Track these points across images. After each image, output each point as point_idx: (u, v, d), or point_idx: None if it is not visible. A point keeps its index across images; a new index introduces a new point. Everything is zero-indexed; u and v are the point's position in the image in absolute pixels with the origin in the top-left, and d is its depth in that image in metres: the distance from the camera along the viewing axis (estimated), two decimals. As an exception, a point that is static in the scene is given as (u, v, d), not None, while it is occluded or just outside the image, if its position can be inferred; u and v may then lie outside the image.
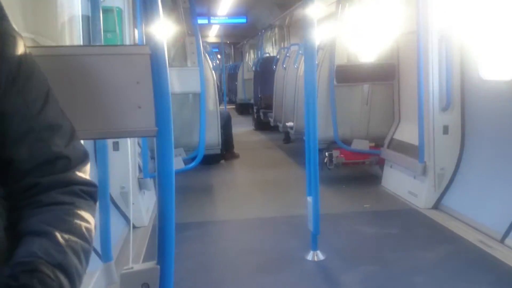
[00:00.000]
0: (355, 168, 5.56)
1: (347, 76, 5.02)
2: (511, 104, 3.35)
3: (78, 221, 0.93)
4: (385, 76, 4.90)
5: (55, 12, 2.01)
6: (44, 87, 0.99)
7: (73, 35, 2.23)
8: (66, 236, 0.88)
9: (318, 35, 3.74)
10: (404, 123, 4.75)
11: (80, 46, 1.85)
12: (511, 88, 3.31)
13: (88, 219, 0.98)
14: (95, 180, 2.31)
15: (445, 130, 3.98)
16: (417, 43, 3.92)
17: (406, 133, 4.59)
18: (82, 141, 1.08)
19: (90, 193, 1.00)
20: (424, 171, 4.07)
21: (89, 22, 2.53)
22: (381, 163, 5.05)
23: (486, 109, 3.72)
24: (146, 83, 1.23)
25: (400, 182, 4.54)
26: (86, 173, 1.01)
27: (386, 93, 5.02)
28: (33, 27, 1.80)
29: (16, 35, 0.97)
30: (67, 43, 2.02)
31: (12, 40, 0.93)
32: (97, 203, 1.00)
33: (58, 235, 0.87)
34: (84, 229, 0.94)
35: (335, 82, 5.02)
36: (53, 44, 1.80)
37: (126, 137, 2.55)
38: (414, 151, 4.19)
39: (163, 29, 1.28)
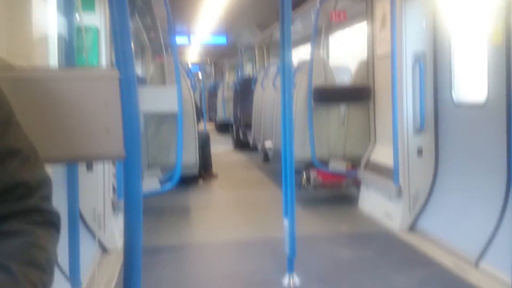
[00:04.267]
0: (332, 189, 5.58)
1: (324, 96, 5.07)
2: (484, 128, 3.42)
3: (38, 252, 0.90)
4: (361, 98, 4.97)
5: (29, 31, 1.97)
6: (5, 110, 0.97)
7: (45, 54, 2.19)
8: (25, 269, 0.86)
9: (295, 56, 3.79)
10: (379, 144, 4.80)
11: (47, 69, 1.82)
12: (483, 111, 3.38)
13: (49, 249, 0.95)
14: (65, 202, 2.25)
15: (419, 152, 4.03)
16: (391, 66, 3.99)
17: (382, 154, 4.63)
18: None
19: (51, 222, 0.97)
20: (399, 193, 4.10)
21: (64, 41, 2.50)
22: (358, 184, 5.08)
23: (460, 132, 3.78)
24: (114, 106, 1.21)
25: (377, 204, 4.56)
26: (48, 200, 0.98)
27: (362, 114, 5.08)
28: (5, 45, 1.76)
29: None
30: (39, 62, 1.98)
31: None
32: (65, 227, 0.97)
33: (17, 268, 0.84)
34: (44, 260, 0.91)
35: (312, 103, 5.06)
36: (24, 63, 1.76)
37: (94, 160, 2.50)
38: (390, 173, 4.23)
39: (133, 51, 1.27)
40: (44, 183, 0.98)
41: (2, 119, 0.94)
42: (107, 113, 1.21)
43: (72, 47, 2.37)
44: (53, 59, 2.52)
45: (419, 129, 3.98)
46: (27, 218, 0.92)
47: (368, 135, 5.02)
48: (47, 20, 2.51)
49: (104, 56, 3.52)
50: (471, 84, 3.67)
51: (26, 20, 2.08)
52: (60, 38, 2.82)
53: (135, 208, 1.26)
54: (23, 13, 2.09)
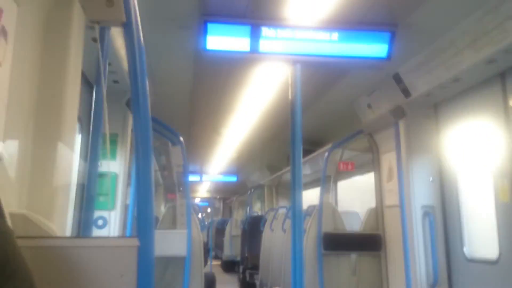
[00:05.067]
0: None
1: (334, 244, 5.02)
2: (498, 284, 3.31)
3: None
4: (372, 246, 4.90)
5: (50, 184, 2.07)
6: (28, 283, 0.99)
7: (66, 209, 2.27)
8: None
9: (304, 198, 3.86)
10: (393, 296, 4.61)
11: (68, 237, 1.88)
12: (496, 267, 3.31)
13: None
14: None
15: (435, 307, 3.86)
16: (400, 218, 4.02)
17: (396, 307, 4.42)
18: None
19: None
20: None
21: (84, 188, 2.61)
22: (371, 339, 4.76)
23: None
24: (130, 276, 1.23)
25: None
26: None
27: (373, 264, 4.96)
28: (27, 202, 1.84)
29: (6, 231, 0.99)
30: (58, 217, 2.05)
31: (1, 238, 0.95)
32: None
33: None
34: None
35: (322, 250, 4.99)
36: (43, 219, 1.82)
37: None
38: (405, 328, 3.99)
39: (153, 220, 1.33)
40: None
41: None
42: (122, 283, 1.22)
43: (93, 193, 2.46)
44: (70, 210, 2.60)
45: (433, 284, 3.86)
46: None
47: (381, 286, 4.84)
48: (71, 170, 2.65)
49: (120, 200, 3.62)
50: (482, 238, 3.65)
51: (50, 172, 2.20)
52: (80, 184, 2.94)
53: None
54: (48, 165, 2.22)
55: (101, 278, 1.20)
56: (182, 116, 6.20)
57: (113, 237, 2.08)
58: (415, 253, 3.90)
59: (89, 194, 2.48)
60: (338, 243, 5.01)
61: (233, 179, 12.66)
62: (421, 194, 3.99)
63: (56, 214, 2.07)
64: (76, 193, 3.14)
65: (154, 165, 8.94)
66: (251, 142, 8.07)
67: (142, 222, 1.30)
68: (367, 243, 4.90)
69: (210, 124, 6.80)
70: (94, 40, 2.66)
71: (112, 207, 3.58)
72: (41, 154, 2.13)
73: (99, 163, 2.69)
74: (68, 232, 2.91)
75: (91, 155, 2.57)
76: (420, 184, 4.00)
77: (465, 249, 3.70)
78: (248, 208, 12.48)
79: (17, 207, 1.80)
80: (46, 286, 1.04)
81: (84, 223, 2.39)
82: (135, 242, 1.25)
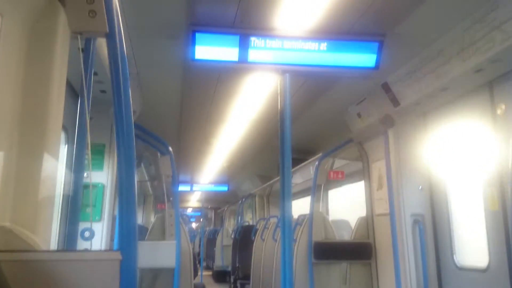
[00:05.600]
0: None
1: (325, 253, 5.00)
2: (490, 293, 3.31)
3: None
4: (363, 255, 4.89)
5: (34, 196, 2.04)
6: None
7: (50, 220, 2.23)
8: None
9: (295, 207, 3.85)
10: (384, 305, 4.59)
11: (51, 251, 1.84)
12: (486, 275, 3.31)
13: None
14: None
15: (426, 316, 3.84)
16: (390, 226, 4.01)
17: (387, 317, 4.40)
18: None
19: None
20: None
21: (70, 199, 2.57)
22: None
23: (465, 296, 3.65)
24: (113, 289, 1.20)
25: None
26: None
27: (364, 273, 4.94)
28: (10, 214, 1.80)
29: None
30: (41, 228, 2.01)
31: None
32: None
33: None
34: None
35: (313, 259, 4.96)
36: (27, 232, 1.78)
37: None
38: (397, 338, 3.97)
39: (136, 233, 1.30)
40: None
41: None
42: (105, 297, 1.19)
43: (78, 204, 2.42)
44: (54, 224, 2.56)
45: (424, 292, 3.85)
46: None
47: (372, 295, 4.82)
48: (55, 182, 2.61)
49: (107, 211, 3.58)
50: (472, 246, 3.65)
51: (35, 183, 2.16)
52: (65, 195, 2.89)
53: None
54: (33, 176, 2.19)
55: (81, 293, 1.17)
56: (171, 125, 6.17)
57: (95, 251, 2.04)
58: (406, 261, 3.89)
59: (74, 206, 2.45)
60: (329, 252, 4.99)
61: (224, 188, 12.61)
62: (410, 203, 3.99)
63: (40, 226, 2.03)
64: (62, 205, 3.10)
65: (143, 175, 8.88)
66: (242, 152, 8.05)
67: (124, 235, 1.27)
68: (357, 251, 4.89)
69: (200, 134, 6.78)
70: (80, 49, 2.64)
71: (99, 219, 3.54)
72: (25, 165, 2.09)
73: (85, 174, 2.65)
74: (53, 244, 2.86)
75: (76, 165, 2.53)
76: (410, 192, 4.01)
77: (455, 257, 3.70)
78: (239, 218, 12.43)
79: (2, 220, 1.76)
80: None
81: (69, 235, 2.35)
82: (118, 255, 1.22)
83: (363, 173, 4.90)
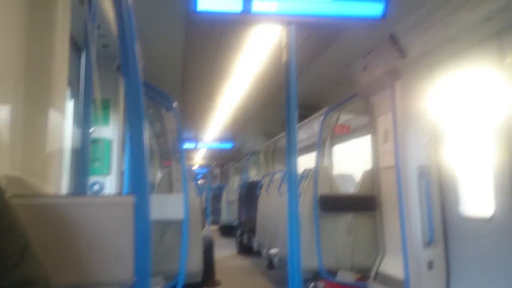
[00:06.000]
0: (341, 302, 5.33)
1: (330, 205, 5.07)
2: (492, 241, 3.37)
3: None
4: (367, 207, 4.96)
5: (43, 148, 2.06)
6: (21, 241, 0.99)
7: (60, 170, 2.26)
8: None
9: (301, 164, 3.88)
10: (388, 256, 4.70)
11: (64, 196, 1.87)
12: (490, 225, 3.36)
13: None
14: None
15: (430, 265, 3.93)
16: (396, 178, 4.04)
17: (391, 266, 4.51)
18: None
19: None
20: (412, 308, 3.93)
21: (78, 153, 2.59)
22: (367, 296, 4.88)
23: (470, 244, 3.72)
24: (127, 233, 1.23)
25: (388, 319, 4.34)
26: None
27: (369, 224, 5.04)
28: (21, 164, 1.82)
29: None
30: (53, 178, 2.04)
31: None
32: None
33: None
34: None
35: (318, 211, 5.04)
36: (39, 181, 1.81)
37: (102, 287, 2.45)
38: (400, 286, 4.08)
39: (149, 177, 1.32)
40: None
41: (18, 248, 0.96)
42: (119, 239, 1.22)
43: (86, 159, 2.45)
44: (65, 172, 2.59)
45: (429, 242, 3.92)
46: None
47: (376, 246, 4.93)
48: (63, 135, 2.62)
49: (115, 165, 3.61)
50: (478, 196, 3.69)
51: (42, 136, 2.18)
52: (74, 150, 2.92)
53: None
54: (40, 129, 2.20)
55: (97, 235, 1.20)
56: (174, 82, 6.13)
57: (108, 195, 2.09)
58: (411, 213, 3.94)
59: (83, 159, 2.47)
60: (334, 204, 5.07)
61: (229, 145, 12.67)
62: (416, 155, 4.00)
63: (51, 177, 2.06)
64: (70, 159, 3.12)
65: (148, 133, 8.90)
66: (246, 108, 8.02)
67: (137, 180, 1.29)
68: (362, 204, 4.97)
69: (204, 90, 6.74)
70: (81, 2, 2.59)
71: (107, 173, 3.58)
72: (33, 119, 2.10)
73: (92, 129, 2.67)
74: (64, 197, 2.90)
75: (83, 120, 2.54)
76: (416, 144, 4.01)
77: (460, 207, 3.75)
78: (244, 174, 12.55)
79: (12, 171, 1.78)
80: (43, 243, 1.04)
81: (79, 189, 2.39)
82: (131, 199, 1.24)
83: (369, 127, 4.89)
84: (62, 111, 2.47)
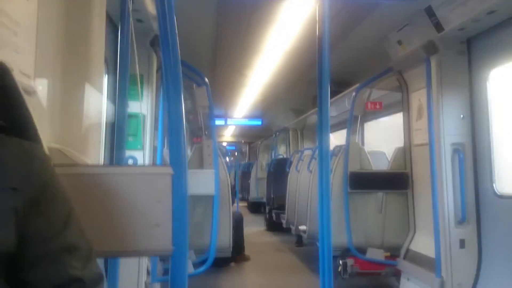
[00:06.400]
0: (370, 279, 5.36)
1: (361, 183, 5.04)
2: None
3: None
4: (399, 185, 4.91)
5: (81, 122, 2.11)
6: (66, 208, 1.02)
7: (97, 145, 2.32)
8: None
9: (332, 141, 3.85)
10: (419, 234, 4.66)
11: (105, 166, 1.92)
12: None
13: None
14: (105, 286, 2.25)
15: (462, 244, 3.89)
16: (429, 156, 3.98)
17: (422, 244, 4.48)
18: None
19: (101, 317, 0.98)
20: (442, 286, 3.90)
21: (114, 128, 2.65)
22: (397, 274, 4.87)
23: (503, 223, 3.65)
24: (166, 202, 1.26)
25: (417, 297, 4.34)
26: None
27: (400, 202, 4.99)
28: (60, 137, 1.87)
29: (45, 158, 1.02)
30: (90, 151, 2.09)
31: (40, 164, 0.98)
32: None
33: None
34: None
35: (348, 189, 5.03)
36: (78, 153, 1.86)
37: (143, 256, 2.53)
38: (431, 264, 4.06)
39: (186, 150, 1.34)
40: (98, 280, 1.00)
41: (63, 215, 0.99)
42: (158, 209, 1.25)
43: (123, 133, 2.50)
44: (102, 146, 2.65)
45: (461, 220, 3.86)
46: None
47: (407, 224, 4.89)
48: (100, 109, 2.68)
49: (148, 140, 3.67)
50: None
51: (80, 110, 2.24)
52: (110, 124, 2.98)
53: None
54: (78, 103, 2.25)
55: (138, 203, 1.23)
56: (206, 57, 6.13)
57: (148, 166, 2.14)
58: (443, 191, 3.88)
59: (119, 134, 2.51)
60: (365, 181, 5.04)
61: (258, 122, 12.68)
62: (451, 132, 3.91)
63: (89, 150, 2.11)
64: (105, 134, 3.19)
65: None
66: (276, 85, 7.98)
67: (174, 152, 1.31)
68: (394, 181, 4.91)
69: (235, 66, 6.72)
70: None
71: (140, 147, 3.64)
72: (71, 93, 2.14)
73: (127, 104, 2.70)
74: (100, 170, 2.97)
75: (119, 95, 2.58)
76: (450, 121, 3.92)
77: (494, 185, 3.67)
78: (273, 151, 12.57)
79: (52, 143, 1.84)
80: (84, 212, 1.07)
81: (115, 162, 2.44)
82: (169, 170, 1.27)
83: (402, 103, 4.80)
84: (99, 86, 2.51)
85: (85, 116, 2.21)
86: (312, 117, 9.24)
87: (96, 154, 2.17)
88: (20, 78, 1.10)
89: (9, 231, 0.88)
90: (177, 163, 1.30)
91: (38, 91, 1.81)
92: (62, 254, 0.96)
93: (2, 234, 0.87)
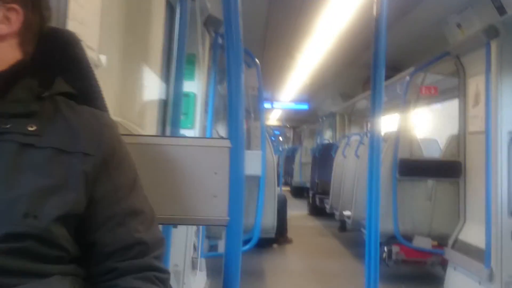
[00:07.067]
0: (415, 267, 5.28)
1: (410, 170, 4.94)
2: None
3: None
4: (450, 174, 4.77)
5: (138, 98, 2.18)
6: (132, 173, 1.07)
7: (154, 120, 2.39)
8: None
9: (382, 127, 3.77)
10: (469, 223, 4.53)
11: (166, 136, 1.98)
12: None
13: None
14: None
15: (514, 235, 3.76)
16: (485, 144, 3.84)
17: (472, 234, 4.36)
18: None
19: (163, 280, 1.02)
20: (491, 277, 3.80)
21: (167, 105, 2.72)
22: (444, 263, 4.77)
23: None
24: (223, 174, 1.29)
25: (465, 287, 4.24)
26: (161, 259, 1.05)
27: (451, 191, 4.85)
28: (120, 111, 1.95)
29: (113, 125, 1.07)
30: (147, 125, 2.17)
31: (109, 131, 1.03)
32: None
33: None
34: None
35: (397, 176, 4.94)
36: (136, 126, 1.94)
37: (200, 224, 2.60)
38: (480, 255, 3.95)
39: (242, 124, 1.37)
40: (160, 244, 1.05)
41: (129, 181, 1.04)
42: (216, 180, 1.28)
43: (178, 111, 2.56)
44: (157, 121, 2.73)
45: (515, 211, 3.73)
46: (142, 275, 0.99)
47: (457, 213, 4.76)
48: (157, 87, 2.76)
49: (199, 119, 3.74)
50: None
51: (137, 89, 2.32)
52: (165, 103, 3.05)
53: (234, 272, 1.30)
54: (136, 80, 2.33)
55: (197, 174, 1.27)
56: (255, 39, 6.12)
57: (206, 138, 2.19)
58: (498, 180, 3.75)
59: (175, 112, 2.57)
60: (415, 169, 4.93)
61: (304, 107, 12.60)
62: (509, 120, 3.75)
63: (146, 124, 2.19)
64: (159, 112, 3.27)
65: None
66: (325, 68, 7.88)
67: (233, 127, 1.34)
68: (445, 170, 4.78)
69: (285, 47, 6.67)
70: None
71: (191, 126, 3.72)
72: (130, 69, 2.22)
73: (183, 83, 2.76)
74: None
75: (176, 74, 2.63)
76: (509, 109, 3.76)
77: (554, 178, 3.51)
78: (318, 137, 12.48)
79: (111, 115, 1.92)
80: (146, 179, 1.12)
81: (171, 138, 2.51)
82: (228, 143, 1.29)
83: (458, 89, 4.63)
84: (156, 64, 2.58)
85: (143, 92, 2.28)
86: (361, 102, 9.07)
87: (152, 129, 2.24)
88: (86, 50, 1.15)
89: (80, 193, 0.93)
90: (234, 136, 1.33)
91: (100, 65, 1.89)
92: (128, 217, 1.01)
93: (74, 196, 0.92)
